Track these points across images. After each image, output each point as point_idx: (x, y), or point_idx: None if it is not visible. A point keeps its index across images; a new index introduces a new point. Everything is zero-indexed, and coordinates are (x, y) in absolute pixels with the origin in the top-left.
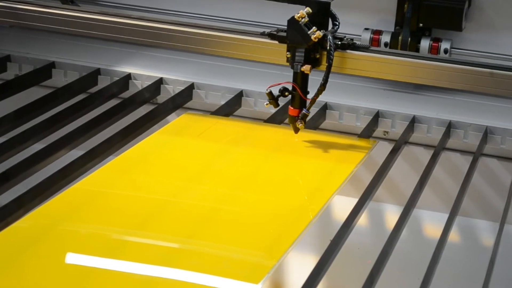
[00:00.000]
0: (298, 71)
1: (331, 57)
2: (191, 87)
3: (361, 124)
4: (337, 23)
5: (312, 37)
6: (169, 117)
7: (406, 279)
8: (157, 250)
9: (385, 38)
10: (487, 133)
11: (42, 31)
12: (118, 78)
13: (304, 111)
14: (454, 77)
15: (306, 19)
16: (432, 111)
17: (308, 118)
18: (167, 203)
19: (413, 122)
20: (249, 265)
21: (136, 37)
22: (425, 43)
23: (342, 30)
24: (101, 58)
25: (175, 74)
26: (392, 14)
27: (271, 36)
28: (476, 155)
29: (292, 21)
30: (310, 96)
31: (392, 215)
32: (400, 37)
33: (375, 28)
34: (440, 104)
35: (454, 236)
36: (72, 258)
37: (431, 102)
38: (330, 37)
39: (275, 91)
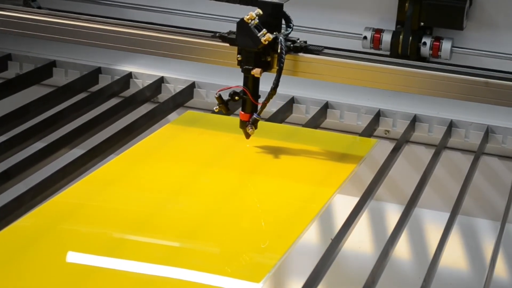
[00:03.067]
0: (248, 74)
1: (282, 60)
2: (192, 86)
3: (362, 123)
4: (291, 25)
5: (262, 39)
6: (170, 116)
7: (407, 278)
8: (158, 249)
9: (386, 37)
10: (488, 132)
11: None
12: (119, 77)
13: (255, 116)
14: (415, 82)
15: (256, 21)
16: (433, 110)
17: (309, 117)
18: (168, 202)
19: (414, 121)
20: (250, 264)
21: (75, 38)
22: (426, 42)
23: (343, 29)
24: (101, 57)
25: (176, 73)
26: (393, 13)
27: (222, 38)
28: (477, 154)
29: (242, 23)
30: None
31: (393, 214)
32: (401, 36)
33: (376, 27)
34: (441, 103)
35: (455, 235)
36: (72, 257)
37: (432, 101)
38: (282, 40)
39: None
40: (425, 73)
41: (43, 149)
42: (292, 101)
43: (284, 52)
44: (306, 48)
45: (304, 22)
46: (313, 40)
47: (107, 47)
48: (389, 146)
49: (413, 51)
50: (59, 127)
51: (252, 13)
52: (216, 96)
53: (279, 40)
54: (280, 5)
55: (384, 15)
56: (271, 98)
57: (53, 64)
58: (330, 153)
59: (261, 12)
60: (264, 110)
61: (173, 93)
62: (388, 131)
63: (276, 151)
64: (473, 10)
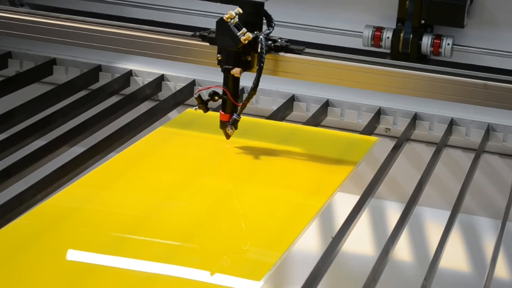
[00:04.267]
0: (228, 74)
1: (262, 60)
2: (192, 83)
3: (362, 121)
4: (272, 24)
5: (242, 38)
6: (170, 114)
7: (408, 276)
8: (158, 247)
9: (387, 35)
10: (489, 130)
11: None
12: (119, 75)
13: (234, 116)
14: (395, 82)
15: (236, 20)
16: (434, 108)
17: (310, 115)
18: (169, 200)
19: (415, 119)
20: (251, 262)
21: (48, 36)
22: (426, 40)
23: (344, 26)
24: (102, 55)
25: (176, 71)
26: (394, 11)
27: (202, 37)
28: (478, 152)
29: (221, 22)
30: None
31: (393, 212)
32: (402, 34)
33: (376, 25)
34: (441, 101)
35: (456, 233)
36: (73, 255)
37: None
38: (262, 39)
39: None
40: (407, 73)
41: (43, 147)
42: (292, 99)
43: (264, 51)
44: (287, 48)
45: (304, 20)
46: (312, 38)
47: (92, 47)
48: (389, 144)
49: (414, 49)
50: (60, 124)
51: (231, 12)
52: (196, 96)
53: (260, 39)
54: (261, 4)
55: (385, 13)
56: (251, 98)
57: (53, 62)
58: (331, 151)
59: (241, 11)
60: (265, 108)
61: (174, 91)
62: (388, 129)
63: (276, 150)
64: (474, 8)
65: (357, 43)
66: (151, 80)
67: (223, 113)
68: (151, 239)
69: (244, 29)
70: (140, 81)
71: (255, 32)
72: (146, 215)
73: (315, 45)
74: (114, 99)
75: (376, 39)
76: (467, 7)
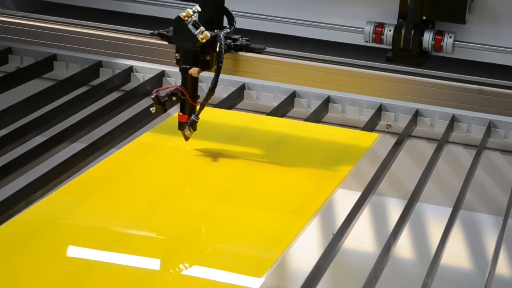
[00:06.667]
0: (186, 74)
1: (221, 59)
2: None
3: (364, 118)
4: (233, 22)
5: (199, 37)
6: (170, 110)
7: (409, 273)
8: (158, 244)
9: (388, 31)
10: (490, 127)
11: None
12: (120, 71)
13: (193, 117)
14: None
15: (193, 18)
16: (435, 105)
17: (311, 111)
18: (170, 196)
19: (416, 115)
20: (252, 259)
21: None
22: (428, 36)
23: (344, 22)
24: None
25: (177, 67)
26: (395, 6)
27: (161, 36)
28: (480, 148)
29: (178, 21)
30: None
31: (395, 209)
32: (403, 30)
33: (378, 21)
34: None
35: (457, 230)
36: (73, 251)
37: None
38: (222, 38)
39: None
40: (371, 73)
41: (43, 143)
42: (293, 95)
43: (223, 50)
44: (247, 47)
45: (305, 16)
46: (313, 34)
47: (48, 45)
48: (391, 140)
49: (415, 45)
50: (60, 121)
51: (189, 10)
52: (153, 96)
53: (218, 38)
54: (221, 2)
55: (386, 9)
56: (210, 98)
57: (53, 57)
58: (332, 147)
59: (199, 9)
60: (266, 103)
61: None
62: (390, 125)
63: (277, 145)
64: (475, 4)
65: (358, 39)
66: (151, 76)
67: (181, 114)
68: (150, 235)
69: (202, 28)
70: (140, 77)
71: (216, 31)
72: (146, 212)
73: (315, 41)
74: (114, 95)
75: (377, 35)
76: (469, 3)
